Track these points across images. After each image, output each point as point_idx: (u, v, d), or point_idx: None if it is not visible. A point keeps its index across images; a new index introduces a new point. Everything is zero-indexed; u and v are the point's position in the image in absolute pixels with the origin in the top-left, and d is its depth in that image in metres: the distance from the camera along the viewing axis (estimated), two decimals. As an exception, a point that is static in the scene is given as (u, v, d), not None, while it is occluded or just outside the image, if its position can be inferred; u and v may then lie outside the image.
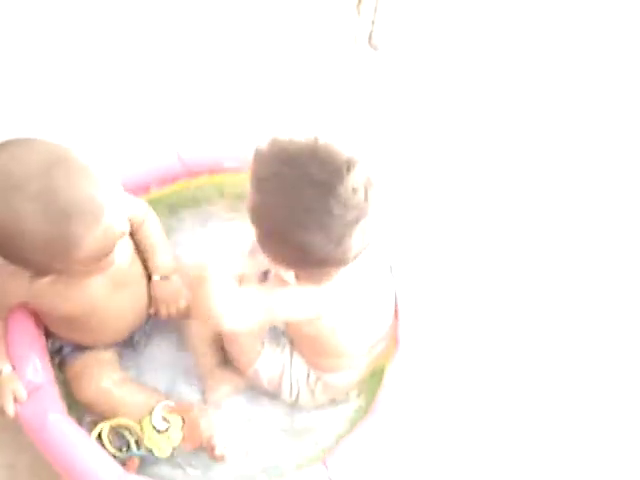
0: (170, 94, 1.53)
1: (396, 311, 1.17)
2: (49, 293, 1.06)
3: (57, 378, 1.16)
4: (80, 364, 1.19)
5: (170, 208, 1.32)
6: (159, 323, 1.25)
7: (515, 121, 1.58)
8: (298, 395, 1.21)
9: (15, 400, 1.08)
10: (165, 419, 1.14)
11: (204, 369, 1.24)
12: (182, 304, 1.20)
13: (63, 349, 1.20)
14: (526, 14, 1.69)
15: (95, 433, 1.12)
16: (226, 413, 1.22)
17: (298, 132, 0.90)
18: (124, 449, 1.14)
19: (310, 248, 0.90)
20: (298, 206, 0.88)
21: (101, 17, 1.59)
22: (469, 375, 1.31)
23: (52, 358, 1.18)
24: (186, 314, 1.22)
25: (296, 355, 1.19)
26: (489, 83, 1.61)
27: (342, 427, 1.18)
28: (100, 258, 0.99)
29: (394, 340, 1.18)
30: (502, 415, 1.29)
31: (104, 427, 1.13)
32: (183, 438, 1.14)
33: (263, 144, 0.91)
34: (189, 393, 1.24)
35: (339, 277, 1.01)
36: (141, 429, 1.14)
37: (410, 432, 1.25)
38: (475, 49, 1.65)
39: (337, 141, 0.88)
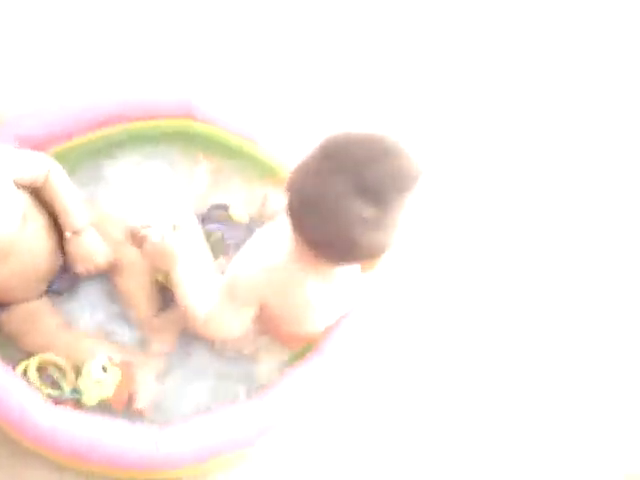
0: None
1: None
2: None
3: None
4: (16, 317, 1.18)
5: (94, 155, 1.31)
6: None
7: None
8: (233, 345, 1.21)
9: None
10: (105, 369, 1.14)
11: (142, 319, 1.23)
12: (100, 260, 1.18)
13: None
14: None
15: (20, 369, 1.12)
16: (160, 361, 1.21)
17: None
18: (55, 389, 1.14)
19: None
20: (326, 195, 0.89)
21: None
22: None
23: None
24: (107, 270, 1.21)
25: None
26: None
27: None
28: None
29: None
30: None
31: (31, 364, 1.13)
32: (114, 394, 1.13)
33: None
34: (123, 337, 1.23)
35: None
36: (78, 370, 1.14)
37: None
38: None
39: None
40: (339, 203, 0.88)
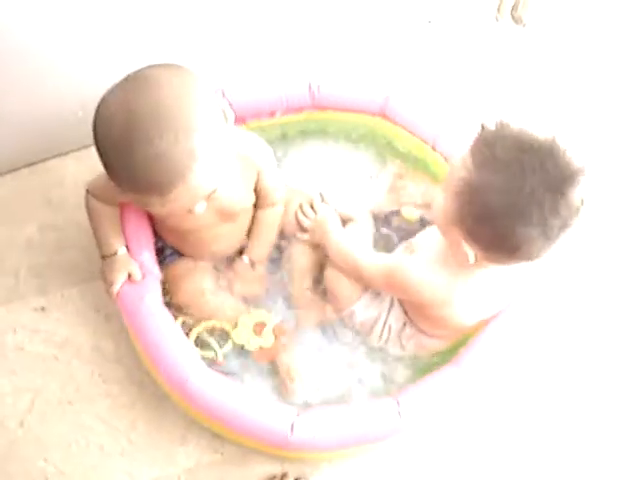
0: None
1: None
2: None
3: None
4: (181, 267, 1.24)
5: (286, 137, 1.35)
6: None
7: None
8: (386, 342, 1.23)
9: (129, 278, 1.13)
10: (269, 332, 1.21)
11: (298, 292, 1.26)
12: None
13: (165, 250, 1.25)
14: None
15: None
16: (309, 341, 1.25)
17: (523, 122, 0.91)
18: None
19: (523, 240, 0.90)
20: (527, 197, 0.88)
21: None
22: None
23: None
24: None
25: (395, 307, 1.20)
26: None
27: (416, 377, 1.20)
28: (188, 207, 1.00)
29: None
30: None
31: (198, 328, 1.20)
32: (256, 351, 1.20)
33: (489, 124, 0.93)
34: (276, 312, 1.26)
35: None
36: (236, 325, 1.20)
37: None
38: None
39: (569, 146, 0.89)
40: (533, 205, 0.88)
